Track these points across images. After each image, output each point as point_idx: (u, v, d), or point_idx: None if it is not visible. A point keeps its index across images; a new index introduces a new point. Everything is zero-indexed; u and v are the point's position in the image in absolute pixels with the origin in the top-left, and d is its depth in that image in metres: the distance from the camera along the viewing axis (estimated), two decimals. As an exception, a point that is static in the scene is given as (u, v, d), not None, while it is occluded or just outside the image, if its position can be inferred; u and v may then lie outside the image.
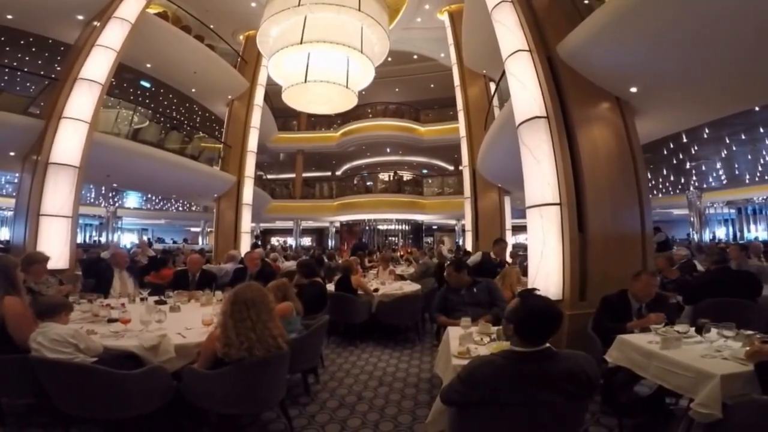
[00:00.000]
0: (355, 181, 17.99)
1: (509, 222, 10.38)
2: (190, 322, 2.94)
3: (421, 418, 2.72)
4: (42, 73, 7.99)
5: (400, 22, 11.15)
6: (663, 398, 2.68)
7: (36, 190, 5.57)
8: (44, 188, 5.59)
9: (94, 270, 4.77)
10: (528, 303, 1.74)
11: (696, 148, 11.33)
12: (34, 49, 10.66)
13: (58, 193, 5.65)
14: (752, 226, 17.65)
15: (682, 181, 15.35)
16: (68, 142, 5.81)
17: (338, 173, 22.10)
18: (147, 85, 12.82)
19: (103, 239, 19.36)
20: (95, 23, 6.63)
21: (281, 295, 3.09)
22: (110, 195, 18.02)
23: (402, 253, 11.96)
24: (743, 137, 10.06)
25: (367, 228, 19.43)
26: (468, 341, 2.48)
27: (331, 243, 20.59)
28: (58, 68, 8.17)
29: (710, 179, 14.91)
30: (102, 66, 6.30)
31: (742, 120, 8.41)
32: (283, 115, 16.35)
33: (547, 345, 1.62)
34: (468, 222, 10.07)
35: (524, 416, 1.61)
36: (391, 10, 10.43)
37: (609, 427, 2.58)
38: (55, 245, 5.42)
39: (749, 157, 12.12)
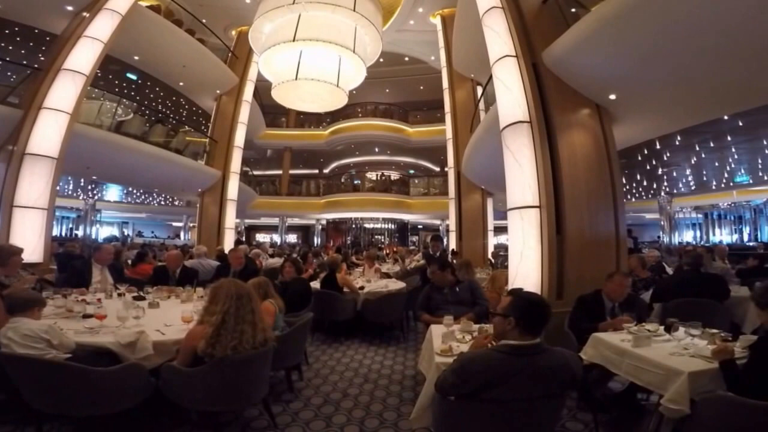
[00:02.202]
0: (343, 180, 18.01)
1: (491, 223, 10.56)
2: (170, 318, 2.89)
3: (406, 414, 2.76)
4: (24, 62, 7.73)
5: (393, 23, 11.25)
6: (635, 394, 2.79)
7: (10, 181, 5.40)
8: (19, 179, 5.43)
9: (69, 264, 4.64)
10: (524, 295, 1.84)
11: (668, 154, 11.79)
12: (18, 39, 10.30)
13: (34, 185, 5.48)
14: (717, 230, 18.61)
15: (654, 186, 15.98)
16: (47, 133, 5.65)
17: (326, 171, 22.04)
18: (133, 77, 12.52)
19: (80, 232, 18.77)
20: (84, 14, 6.50)
21: (262, 292, 3.07)
22: (89, 187, 17.48)
23: (388, 252, 12.04)
24: (712, 145, 10.53)
25: (353, 226, 19.47)
26: (450, 339, 2.53)
27: (317, 240, 20.53)
28: (42, 58, 7.93)
29: (680, 185, 15.58)
30: (88, 57, 6.17)
31: (712, 128, 8.79)
32: (271, 112, 16.20)
33: (539, 340, 1.68)
34: (452, 222, 10.22)
35: (507, 410, 1.66)
36: (386, 12, 10.51)
37: (585, 422, 2.65)
38: (30, 238, 5.26)
39: (716, 164, 12.70)
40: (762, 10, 2.90)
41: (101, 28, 6.39)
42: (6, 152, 5.77)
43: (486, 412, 1.67)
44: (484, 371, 1.62)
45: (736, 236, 17.77)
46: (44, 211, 5.55)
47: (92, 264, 4.17)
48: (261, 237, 24.03)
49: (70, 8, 6.82)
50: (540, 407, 1.70)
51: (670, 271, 5.45)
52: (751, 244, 14.59)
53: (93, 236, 18.25)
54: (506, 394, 1.62)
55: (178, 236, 22.59)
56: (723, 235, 18.20)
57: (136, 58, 9.48)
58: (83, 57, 6.12)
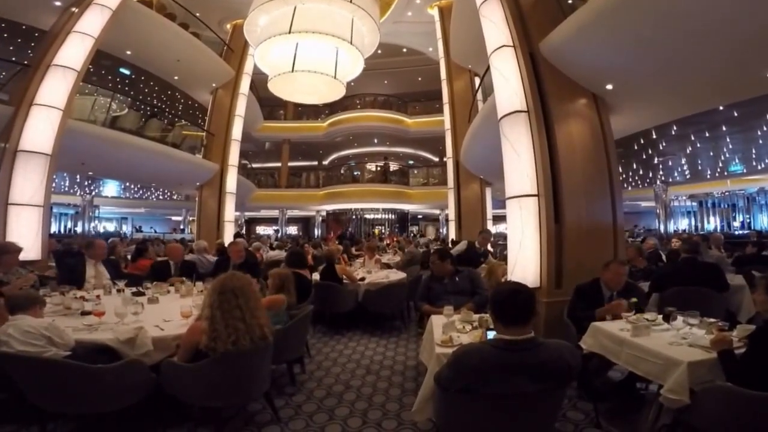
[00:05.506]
0: (342, 171, 18.01)
1: (490, 212, 10.64)
2: (169, 314, 2.89)
3: (408, 405, 2.76)
4: (13, 59, 7.62)
5: (391, 15, 11.19)
6: (634, 383, 2.81)
7: (4, 179, 5.33)
8: (13, 177, 5.36)
9: (65, 262, 4.63)
10: (497, 288, 1.83)
11: (664, 144, 11.85)
12: (5, 35, 10.14)
13: (28, 182, 5.43)
14: (711, 218, 18.79)
15: (650, 175, 16.08)
16: (39, 129, 5.58)
17: (325, 163, 22.01)
18: (126, 72, 12.37)
19: (79, 229, 18.72)
20: (73, 9, 6.39)
21: (279, 284, 3.07)
22: (86, 183, 17.36)
23: (389, 242, 12.08)
24: (707, 135, 10.58)
25: (353, 217, 19.53)
26: (451, 330, 2.53)
27: (317, 232, 20.58)
28: (31, 54, 7.83)
29: (675, 174, 15.67)
30: (78, 53, 6.07)
31: (707, 118, 8.82)
32: (269, 104, 16.10)
33: (532, 335, 1.66)
34: (451, 212, 10.26)
35: (507, 403, 1.67)
36: (383, 3, 10.40)
37: (585, 412, 2.67)
38: (26, 235, 5.22)
39: (711, 153, 12.79)
40: (758, 1, 2.87)
41: (91, 24, 6.28)
42: (-2, 150, 5.71)
43: (486, 405, 1.68)
44: (479, 365, 1.62)
45: (724, 222, 17.95)
46: (40, 209, 5.51)
47: (86, 260, 4.13)
48: (261, 229, 24.05)
49: (58, 3, 6.72)
50: (540, 401, 1.71)
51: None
52: (744, 232, 14.71)
53: (93, 232, 18.20)
54: (503, 389, 1.62)
55: (182, 230, 22.45)
56: (716, 223, 18.37)
57: (129, 52, 9.35)
58: (73, 53, 6.03)
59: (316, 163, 21.93)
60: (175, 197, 20.79)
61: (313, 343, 4.29)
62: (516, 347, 1.62)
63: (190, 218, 21.11)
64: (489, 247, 6.44)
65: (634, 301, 2.78)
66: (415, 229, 22.68)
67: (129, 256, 6.39)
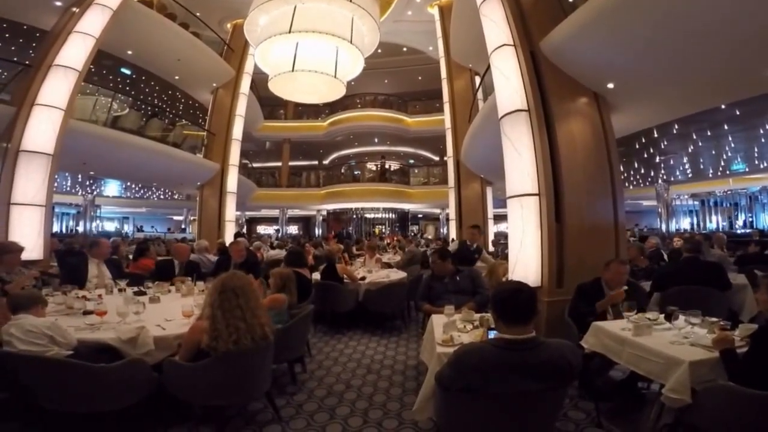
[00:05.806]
0: (343, 170, 18.03)
1: (491, 211, 10.65)
2: (171, 313, 2.89)
3: (409, 404, 2.77)
4: (15, 59, 7.64)
5: (391, 14, 11.22)
6: (636, 382, 2.81)
7: (6, 179, 5.34)
8: (15, 176, 5.38)
9: (67, 261, 4.65)
10: (498, 287, 1.83)
11: (665, 143, 11.85)
12: (7, 35, 10.19)
13: (30, 182, 5.45)
14: (713, 218, 18.80)
15: (652, 174, 16.06)
16: (41, 130, 5.59)
17: (326, 162, 22.03)
18: (127, 72, 12.41)
19: (80, 228, 18.77)
20: (74, 9, 6.41)
21: (281, 284, 3.07)
22: (87, 183, 17.40)
23: (389, 241, 12.10)
24: (708, 133, 10.58)
25: (354, 216, 19.54)
26: (451, 329, 2.53)
27: (318, 231, 20.61)
28: (32, 54, 7.85)
29: (677, 173, 15.65)
30: (80, 53, 6.09)
31: (709, 117, 8.82)
32: (270, 104, 16.12)
33: (534, 334, 1.66)
34: (452, 211, 10.27)
35: (508, 402, 1.67)
36: (383, 2, 10.42)
37: (587, 411, 2.67)
38: (28, 235, 5.23)
39: (713, 152, 12.76)
40: (758, 1, 2.87)
41: (92, 24, 6.31)
42: (0, 150, 5.73)
43: (487, 405, 1.68)
44: (479, 364, 1.62)
45: (726, 222, 17.92)
46: (42, 208, 5.52)
47: (88, 260, 4.14)
48: (262, 229, 24.10)
49: (58, 3, 6.75)
50: (541, 400, 1.71)
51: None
52: (747, 231, 14.67)
53: (94, 232, 18.25)
54: (504, 389, 1.61)
55: (184, 229, 22.46)
56: (719, 222, 18.34)
57: (130, 52, 9.38)
58: (75, 53, 6.04)
59: (316, 162, 21.96)
60: (176, 197, 20.83)
61: (314, 343, 4.29)
62: (517, 346, 1.62)
63: (191, 218, 21.16)
64: (490, 246, 6.43)
65: (625, 289, 2.87)
66: (415, 228, 22.68)
67: (130, 256, 6.40)
